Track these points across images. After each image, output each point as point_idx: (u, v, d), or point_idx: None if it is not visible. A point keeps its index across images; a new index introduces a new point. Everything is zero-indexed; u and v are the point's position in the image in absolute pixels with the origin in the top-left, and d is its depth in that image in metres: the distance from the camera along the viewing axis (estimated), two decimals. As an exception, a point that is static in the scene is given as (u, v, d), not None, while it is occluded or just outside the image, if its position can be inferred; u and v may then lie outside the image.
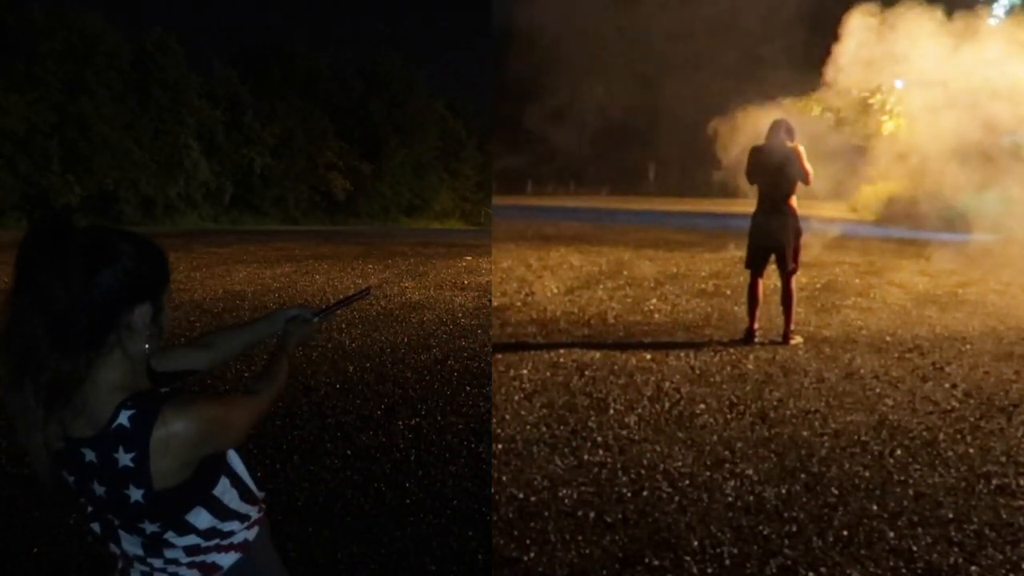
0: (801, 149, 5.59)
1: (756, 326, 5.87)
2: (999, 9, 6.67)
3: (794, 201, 5.69)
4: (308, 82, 39.19)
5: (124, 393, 1.23)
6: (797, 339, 5.84)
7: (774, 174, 5.63)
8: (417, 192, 44.94)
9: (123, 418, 1.21)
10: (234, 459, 1.43)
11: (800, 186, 5.66)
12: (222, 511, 1.37)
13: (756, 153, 5.76)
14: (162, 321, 1.34)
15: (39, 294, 1.16)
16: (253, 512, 1.46)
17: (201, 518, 1.33)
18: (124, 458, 1.21)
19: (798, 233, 5.73)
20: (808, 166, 5.57)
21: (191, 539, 1.33)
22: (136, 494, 1.23)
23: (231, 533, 1.40)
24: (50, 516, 3.12)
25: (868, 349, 5.71)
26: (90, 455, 1.22)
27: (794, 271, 5.77)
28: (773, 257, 5.82)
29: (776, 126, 5.74)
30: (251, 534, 1.45)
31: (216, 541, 1.37)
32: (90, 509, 1.30)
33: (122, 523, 1.29)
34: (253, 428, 1.44)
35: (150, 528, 1.28)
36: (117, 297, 1.23)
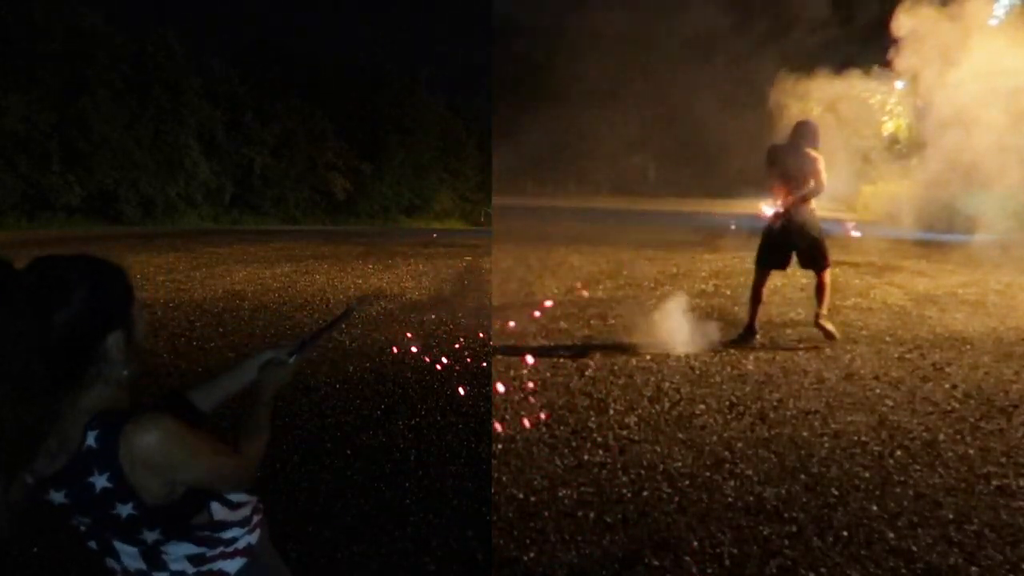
0: (820, 158, 5.56)
1: (756, 325, 5.86)
2: (999, 9, 6.65)
3: (812, 203, 5.69)
4: (308, 82, 39.15)
5: (89, 416, 1.20)
6: (829, 325, 5.79)
7: (790, 177, 5.61)
8: (417, 192, 44.91)
9: (91, 439, 1.19)
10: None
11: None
12: (218, 524, 1.36)
13: (774, 152, 5.75)
14: (137, 340, 1.31)
15: None
16: (249, 512, 1.45)
17: (200, 525, 1.33)
18: (100, 480, 1.19)
19: (820, 230, 5.71)
20: (823, 177, 5.54)
21: (193, 548, 1.32)
22: (125, 509, 1.22)
23: (234, 540, 1.39)
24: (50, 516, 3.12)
25: (868, 349, 5.71)
26: (58, 497, 1.21)
27: (826, 266, 5.74)
28: (794, 258, 5.79)
29: (800, 128, 5.69)
30: (253, 538, 1.45)
31: (221, 549, 1.37)
32: (83, 529, 1.29)
33: (118, 537, 1.28)
34: (238, 483, 1.39)
35: (151, 537, 1.27)
36: (82, 333, 1.19)
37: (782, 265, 5.87)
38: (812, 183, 5.55)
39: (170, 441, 1.22)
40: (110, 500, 1.21)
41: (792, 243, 5.71)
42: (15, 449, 1.16)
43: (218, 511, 1.37)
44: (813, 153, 5.57)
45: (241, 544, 1.41)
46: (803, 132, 5.65)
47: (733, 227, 6.62)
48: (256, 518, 1.48)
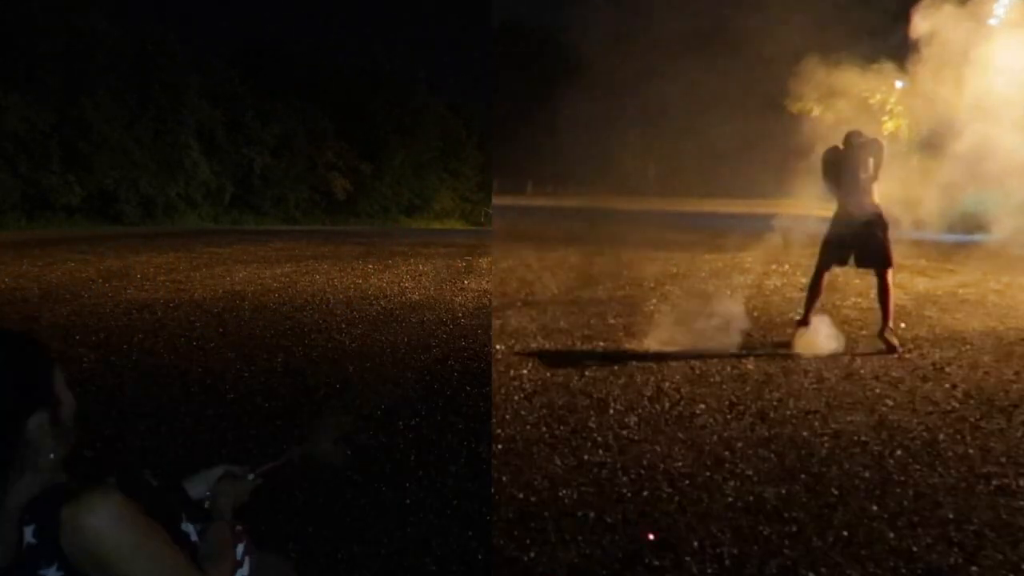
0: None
1: (811, 318, 5.88)
2: (999, 9, 6.63)
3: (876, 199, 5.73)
4: (308, 82, 39.17)
5: (20, 508, 1.08)
6: (894, 339, 5.70)
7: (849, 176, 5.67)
8: (417, 192, 44.93)
9: (28, 535, 1.06)
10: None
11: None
12: None
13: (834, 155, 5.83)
14: (65, 418, 1.16)
15: None
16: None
17: None
18: (50, 572, 1.07)
19: (885, 227, 5.74)
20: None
21: None
22: None
23: None
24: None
25: (868, 349, 5.71)
26: None
27: (887, 266, 5.77)
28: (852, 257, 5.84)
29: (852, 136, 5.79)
30: (245, 570, 1.38)
31: None
32: None
33: None
34: None
35: None
36: (8, 417, 1.06)
37: (841, 262, 5.91)
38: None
39: (115, 526, 1.07)
40: None
41: (853, 241, 5.75)
42: None
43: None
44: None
45: None
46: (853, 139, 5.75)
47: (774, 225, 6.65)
48: (241, 551, 1.38)
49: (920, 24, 6.09)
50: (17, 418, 1.08)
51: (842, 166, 5.71)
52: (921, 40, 6.12)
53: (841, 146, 5.72)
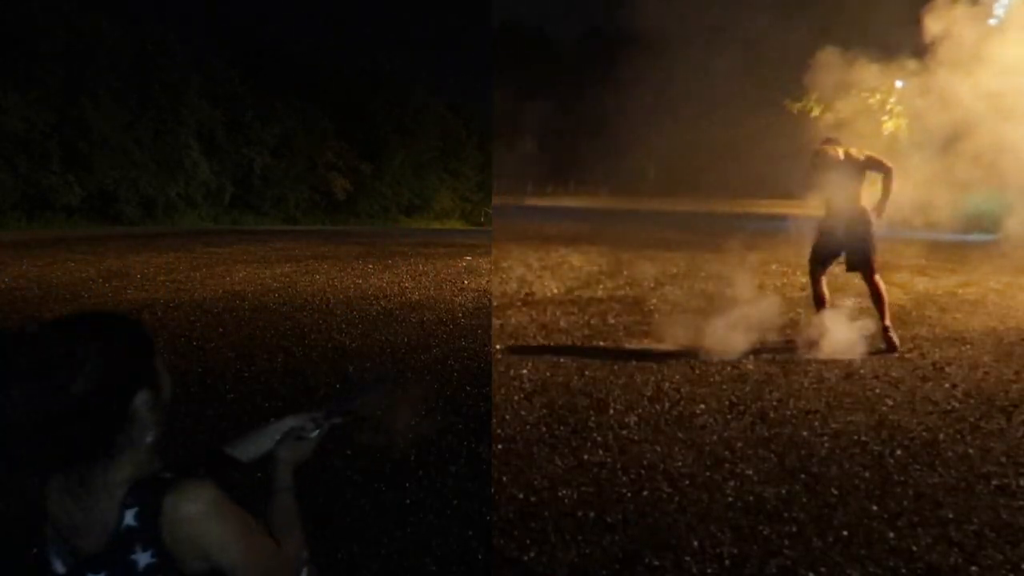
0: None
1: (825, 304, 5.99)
2: (999, 9, 6.64)
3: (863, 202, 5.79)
4: (308, 82, 39.16)
5: (123, 488, 1.13)
6: (895, 338, 5.71)
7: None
8: (417, 192, 44.93)
9: (129, 518, 1.11)
10: None
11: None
12: None
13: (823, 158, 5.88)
14: (165, 398, 1.21)
15: (20, 435, 1.05)
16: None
17: None
18: (143, 557, 1.12)
19: (867, 231, 5.76)
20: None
21: None
22: None
23: None
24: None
25: (868, 349, 5.71)
26: None
27: (871, 271, 5.79)
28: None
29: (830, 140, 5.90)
30: None
31: None
32: None
33: None
34: None
35: None
36: (106, 399, 1.10)
37: (832, 260, 6.00)
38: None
39: (215, 515, 1.13)
40: None
41: (840, 247, 5.83)
42: (46, 522, 1.10)
43: None
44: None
45: None
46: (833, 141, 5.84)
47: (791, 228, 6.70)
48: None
49: (931, 24, 6.10)
50: (125, 396, 1.13)
51: (835, 174, 5.75)
52: (933, 40, 6.12)
53: (840, 155, 5.73)
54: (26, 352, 1.06)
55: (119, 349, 1.14)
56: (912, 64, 6.56)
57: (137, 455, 1.16)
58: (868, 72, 6.60)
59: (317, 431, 1.45)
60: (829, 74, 6.53)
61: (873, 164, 5.71)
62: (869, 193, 5.82)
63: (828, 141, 5.88)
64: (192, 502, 1.11)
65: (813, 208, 6.12)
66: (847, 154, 5.74)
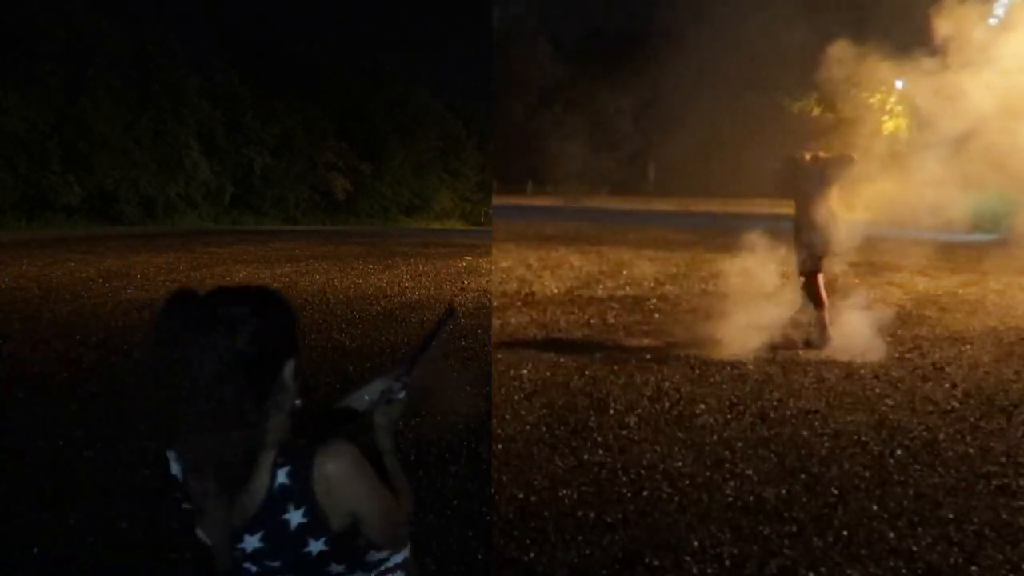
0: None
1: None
2: (999, 8, 6.63)
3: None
4: (308, 82, 39.15)
5: (274, 450, 1.19)
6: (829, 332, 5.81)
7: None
8: (417, 192, 44.90)
9: (282, 476, 1.17)
10: None
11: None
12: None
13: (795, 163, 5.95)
14: (303, 367, 1.29)
15: (200, 384, 1.12)
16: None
17: (381, 554, 1.32)
18: (295, 516, 1.18)
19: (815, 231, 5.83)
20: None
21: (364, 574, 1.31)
22: (317, 546, 1.20)
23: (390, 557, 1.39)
24: (50, 516, 3.12)
25: (868, 349, 5.70)
26: (252, 543, 1.18)
27: (809, 272, 5.86)
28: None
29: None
30: (407, 552, 1.44)
31: (379, 567, 1.36)
32: (253, 571, 1.24)
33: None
34: (397, 534, 1.35)
35: (336, 570, 1.26)
36: (265, 362, 1.19)
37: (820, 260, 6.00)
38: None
39: (358, 470, 1.22)
40: (303, 537, 1.19)
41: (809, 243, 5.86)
42: (237, 471, 1.15)
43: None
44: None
45: (398, 559, 1.40)
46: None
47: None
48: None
49: (939, 23, 6.09)
50: (278, 361, 1.21)
51: (804, 178, 5.80)
52: (940, 38, 6.11)
53: (808, 158, 5.80)
54: (199, 309, 1.16)
55: (273, 316, 1.23)
56: (926, 61, 6.54)
57: (281, 421, 1.22)
58: (880, 68, 6.58)
59: (404, 391, 1.51)
60: (841, 69, 6.50)
61: (836, 161, 5.75)
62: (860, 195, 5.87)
63: (806, 149, 5.94)
64: (340, 460, 1.19)
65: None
66: (815, 157, 5.80)
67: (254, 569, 1.23)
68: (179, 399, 1.14)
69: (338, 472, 1.18)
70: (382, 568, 1.35)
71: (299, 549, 1.19)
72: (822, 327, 5.80)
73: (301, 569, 1.22)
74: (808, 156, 5.81)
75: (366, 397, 1.53)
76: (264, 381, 1.19)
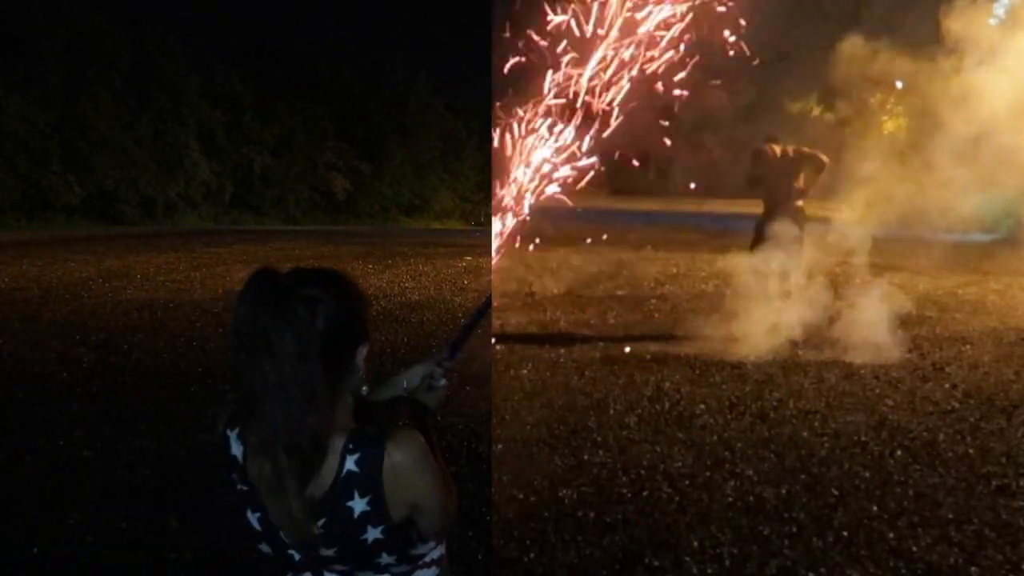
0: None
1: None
2: (999, 8, 6.62)
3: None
4: (308, 82, 39.14)
5: (342, 436, 1.18)
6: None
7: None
8: (417, 192, 44.90)
9: (350, 463, 1.17)
10: None
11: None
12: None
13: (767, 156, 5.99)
14: (370, 353, 1.29)
15: (280, 360, 1.13)
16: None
17: (425, 548, 1.31)
18: (359, 504, 1.17)
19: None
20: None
21: (407, 571, 1.31)
22: (374, 533, 1.20)
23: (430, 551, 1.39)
24: (50, 516, 3.12)
25: (868, 349, 5.70)
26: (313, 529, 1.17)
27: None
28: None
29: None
30: (443, 548, 1.45)
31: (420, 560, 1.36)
32: (297, 558, 1.24)
33: (361, 565, 1.24)
34: (447, 525, 1.34)
35: (385, 561, 1.25)
36: (341, 344, 1.20)
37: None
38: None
39: (425, 460, 1.22)
40: (363, 525, 1.19)
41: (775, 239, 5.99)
42: (309, 451, 1.15)
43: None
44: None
45: (436, 554, 1.39)
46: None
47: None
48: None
49: (946, 23, 6.08)
50: (351, 345, 1.23)
51: (771, 172, 5.84)
52: (947, 37, 6.11)
53: (777, 152, 5.81)
54: (280, 287, 1.19)
55: (350, 300, 1.25)
56: (926, 62, 6.53)
57: (349, 405, 1.23)
58: (895, 64, 6.55)
59: (445, 378, 1.53)
60: (852, 66, 6.49)
61: (806, 158, 5.77)
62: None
63: (770, 139, 5.93)
64: (409, 449, 1.19)
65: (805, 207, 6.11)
66: (784, 152, 5.81)
67: (297, 557, 1.23)
68: (255, 377, 1.15)
69: (406, 462, 1.18)
70: (419, 563, 1.35)
71: (357, 537, 1.19)
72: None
73: (353, 557, 1.22)
74: (777, 150, 5.81)
75: (404, 384, 1.53)
76: (338, 363, 1.19)
